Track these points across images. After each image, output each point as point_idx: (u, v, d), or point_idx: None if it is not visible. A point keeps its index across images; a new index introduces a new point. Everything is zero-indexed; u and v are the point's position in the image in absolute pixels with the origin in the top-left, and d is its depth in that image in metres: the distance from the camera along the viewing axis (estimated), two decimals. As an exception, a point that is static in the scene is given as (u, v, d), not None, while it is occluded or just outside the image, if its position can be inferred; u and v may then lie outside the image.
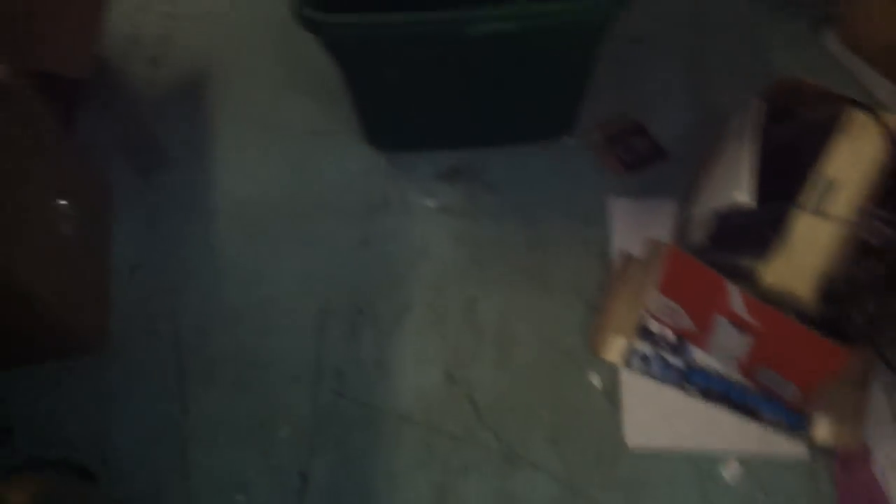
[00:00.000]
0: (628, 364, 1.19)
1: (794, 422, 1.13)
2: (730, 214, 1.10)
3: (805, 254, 1.01)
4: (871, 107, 1.08)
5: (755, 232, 1.07)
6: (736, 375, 1.17)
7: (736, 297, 1.06)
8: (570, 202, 1.37)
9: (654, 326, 1.22)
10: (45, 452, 1.17)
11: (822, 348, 1.01)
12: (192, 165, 1.45)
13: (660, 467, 1.13)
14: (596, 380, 1.20)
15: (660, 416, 1.15)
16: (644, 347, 1.20)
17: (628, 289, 1.25)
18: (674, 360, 1.19)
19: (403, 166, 1.44)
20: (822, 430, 1.12)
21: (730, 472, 1.12)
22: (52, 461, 1.13)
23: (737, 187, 1.09)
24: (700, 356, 1.19)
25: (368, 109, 1.38)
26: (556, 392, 1.19)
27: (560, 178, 1.40)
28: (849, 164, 1.04)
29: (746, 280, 1.07)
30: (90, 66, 1.28)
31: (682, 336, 1.21)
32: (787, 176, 1.08)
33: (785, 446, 1.13)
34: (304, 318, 1.28)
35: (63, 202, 1.21)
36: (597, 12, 1.14)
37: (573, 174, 1.41)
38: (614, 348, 1.21)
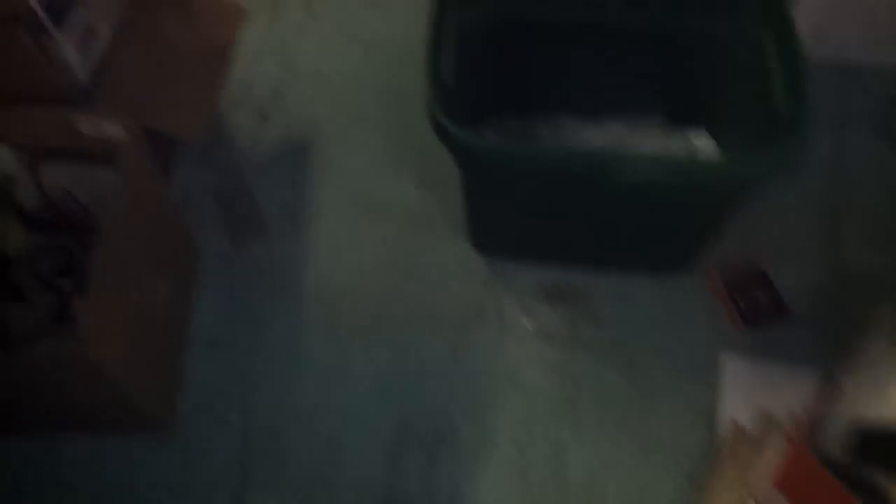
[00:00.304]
0: (724, 555, 1.09)
1: None
2: (875, 429, 0.99)
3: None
4: None
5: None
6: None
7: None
8: (679, 351, 1.27)
9: (759, 517, 1.11)
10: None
11: None
12: (285, 238, 1.39)
13: None
14: (685, 565, 1.10)
15: None
16: (744, 539, 1.09)
17: (735, 469, 1.14)
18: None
19: (504, 274, 1.35)
20: None
21: None
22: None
23: (886, 401, 0.98)
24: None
25: (479, 212, 1.29)
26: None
27: (671, 321, 1.30)
28: None
29: (880, 502, 0.96)
30: (207, 132, 1.22)
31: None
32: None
33: None
34: (380, 434, 1.20)
35: (160, 280, 1.16)
36: (763, 171, 1.03)
37: (685, 318, 1.30)
38: (711, 534, 1.10)
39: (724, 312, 1.30)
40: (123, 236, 1.03)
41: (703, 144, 1.39)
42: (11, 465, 1.17)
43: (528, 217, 1.24)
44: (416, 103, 1.55)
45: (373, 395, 1.24)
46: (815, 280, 1.33)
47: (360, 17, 1.67)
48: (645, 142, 1.41)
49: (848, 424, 1.02)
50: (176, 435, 1.20)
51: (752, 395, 1.21)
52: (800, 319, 1.29)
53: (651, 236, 1.25)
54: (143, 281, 1.14)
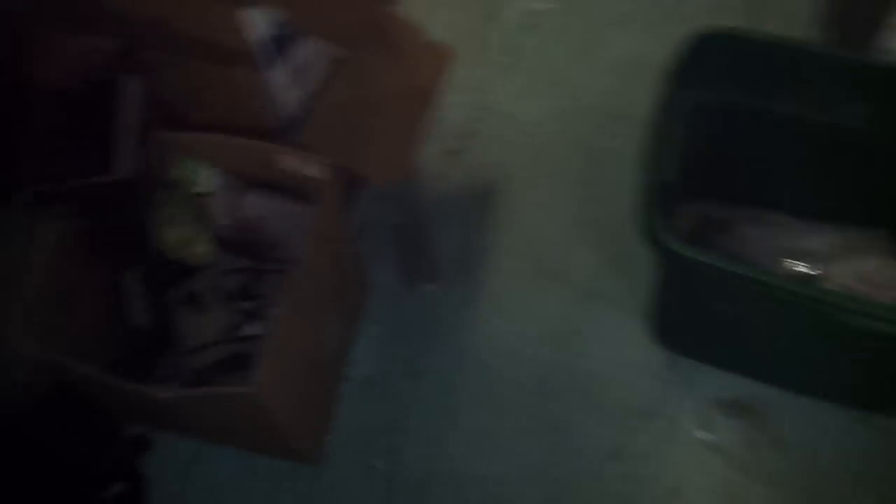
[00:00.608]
0: None
1: None
2: None
3: None
4: None
5: None
6: None
7: None
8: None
9: None
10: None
11: None
12: (455, 285, 1.34)
13: None
14: None
15: None
16: None
17: None
18: None
19: (682, 373, 1.24)
20: None
21: None
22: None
23: None
24: None
25: (669, 307, 1.20)
26: None
27: (866, 467, 1.15)
28: None
29: None
30: (404, 177, 1.19)
31: None
32: None
33: None
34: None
35: (333, 315, 1.14)
36: None
37: (886, 468, 1.15)
38: None
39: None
40: (310, 273, 1.02)
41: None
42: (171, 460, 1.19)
43: (723, 324, 1.14)
44: (612, 171, 1.49)
45: (523, 473, 1.16)
46: None
47: (565, 67, 1.61)
48: (863, 261, 1.26)
49: None
50: (322, 470, 1.17)
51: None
52: None
53: (862, 372, 1.11)
54: (318, 317, 1.12)
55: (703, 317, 1.15)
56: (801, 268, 1.21)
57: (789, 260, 1.22)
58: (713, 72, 1.16)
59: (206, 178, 1.12)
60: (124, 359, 1.07)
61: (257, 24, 0.98)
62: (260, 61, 1.01)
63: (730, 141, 1.23)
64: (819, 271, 1.20)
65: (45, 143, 1.03)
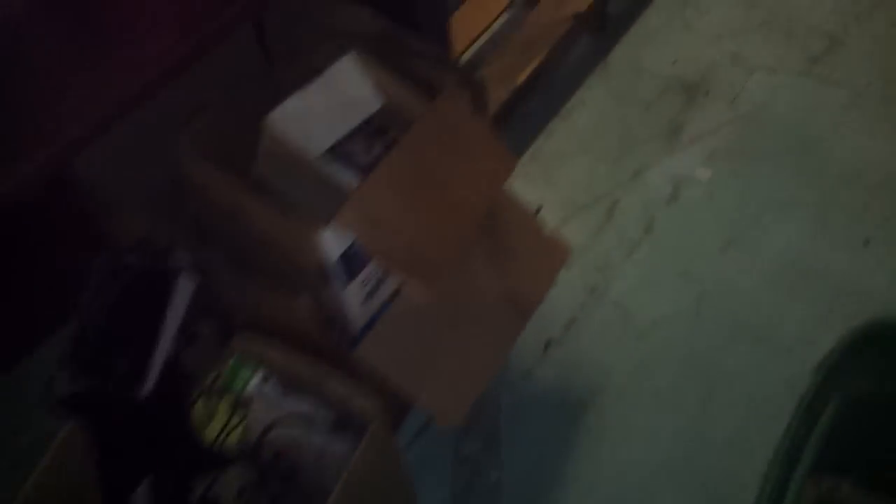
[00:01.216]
0: None
1: None
2: None
3: None
4: None
5: None
6: None
7: None
8: None
9: None
10: None
11: None
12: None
13: None
14: None
15: None
16: None
17: None
18: None
19: None
20: None
21: None
22: None
23: None
24: None
25: None
26: None
27: None
28: None
29: None
30: (462, 419, 1.06)
31: None
32: None
33: None
34: None
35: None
36: None
37: None
38: None
39: None
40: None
41: None
42: None
43: None
44: (728, 405, 1.24)
45: None
46: None
47: (702, 257, 1.39)
48: None
49: None
50: None
51: None
52: None
53: None
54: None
55: None
56: None
57: None
58: (872, 364, 0.93)
59: (249, 380, 1.04)
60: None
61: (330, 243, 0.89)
62: (333, 279, 0.92)
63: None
64: None
65: (95, 315, 1.00)
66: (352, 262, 0.93)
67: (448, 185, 0.97)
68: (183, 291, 0.96)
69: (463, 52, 1.53)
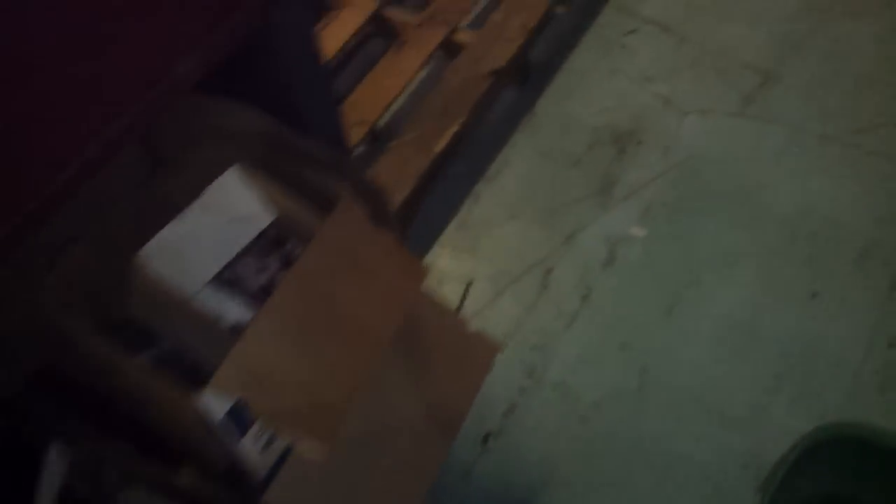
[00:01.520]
0: None
1: None
2: None
3: None
4: None
5: None
6: None
7: None
8: None
9: None
10: None
11: None
12: None
13: None
14: None
15: None
16: None
17: None
18: None
19: None
20: None
21: None
22: None
23: None
24: None
25: None
26: None
27: None
28: None
29: None
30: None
31: None
32: None
33: None
34: None
35: None
36: None
37: None
38: None
39: None
40: None
41: None
42: None
43: None
44: (685, 495, 1.18)
45: None
46: None
47: (643, 325, 1.31)
48: None
49: None
50: None
51: None
52: None
53: None
54: None
55: None
56: None
57: None
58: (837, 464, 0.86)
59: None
60: None
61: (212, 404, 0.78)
62: (218, 439, 0.82)
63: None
64: None
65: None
66: (243, 414, 0.83)
67: (349, 311, 0.87)
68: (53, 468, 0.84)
69: (377, 119, 1.43)
